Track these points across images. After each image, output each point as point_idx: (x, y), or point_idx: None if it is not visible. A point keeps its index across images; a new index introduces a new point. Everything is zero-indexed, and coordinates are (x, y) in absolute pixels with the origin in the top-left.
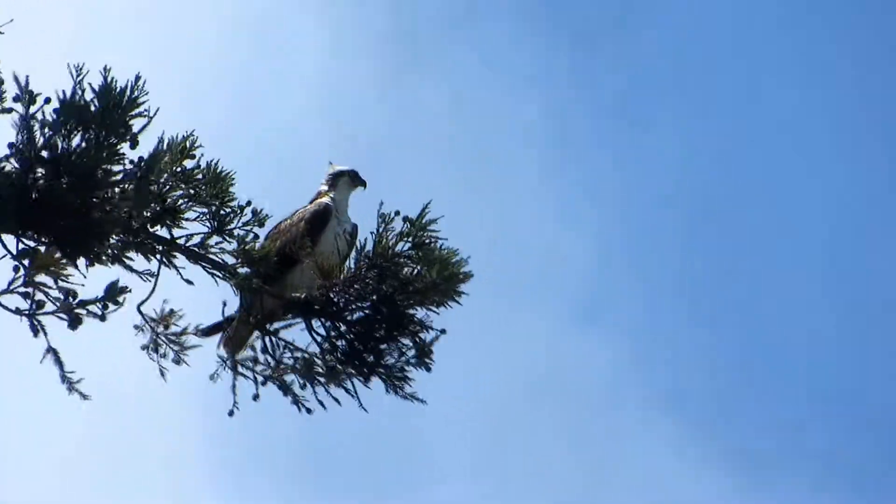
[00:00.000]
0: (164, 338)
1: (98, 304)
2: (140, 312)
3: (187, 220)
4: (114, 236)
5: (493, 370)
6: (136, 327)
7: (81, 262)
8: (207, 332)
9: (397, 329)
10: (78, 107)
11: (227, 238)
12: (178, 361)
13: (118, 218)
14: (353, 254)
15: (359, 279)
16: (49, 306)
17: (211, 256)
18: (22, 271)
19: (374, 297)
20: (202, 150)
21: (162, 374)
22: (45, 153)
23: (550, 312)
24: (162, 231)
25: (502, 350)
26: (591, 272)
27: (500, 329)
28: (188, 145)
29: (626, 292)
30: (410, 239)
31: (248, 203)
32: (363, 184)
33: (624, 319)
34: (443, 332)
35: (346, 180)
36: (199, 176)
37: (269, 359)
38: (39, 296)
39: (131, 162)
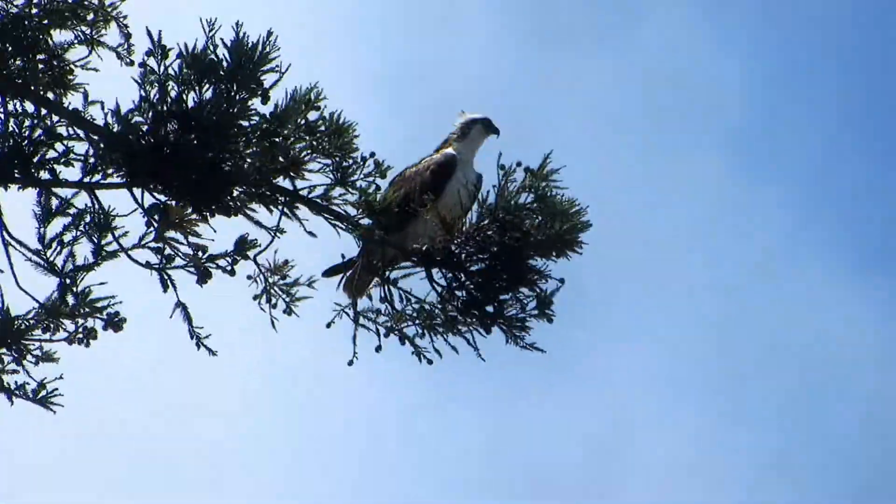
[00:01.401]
0: (276, 288)
1: (228, 258)
2: (255, 262)
3: (310, 171)
4: (237, 188)
5: (656, 215)
6: (249, 277)
7: (208, 216)
8: (329, 272)
9: (518, 280)
10: (210, 62)
11: (350, 189)
12: (288, 312)
13: (248, 172)
14: (475, 206)
15: (480, 231)
16: (178, 261)
17: (333, 208)
18: (153, 226)
19: (495, 249)
20: (326, 101)
21: (273, 324)
22: (176, 107)
23: (711, 156)
24: (285, 182)
25: (665, 196)
26: (753, 107)
27: (661, 174)
28: (313, 97)
29: (791, 131)
30: (532, 191)
31: (372, 154)
32: (496, 131)
33: (791, 162)
34: (562, 281)
35: (480, 128)
36: (322, 128)
37: (390, 308)
38: (169, 250)
39: (262, 116)
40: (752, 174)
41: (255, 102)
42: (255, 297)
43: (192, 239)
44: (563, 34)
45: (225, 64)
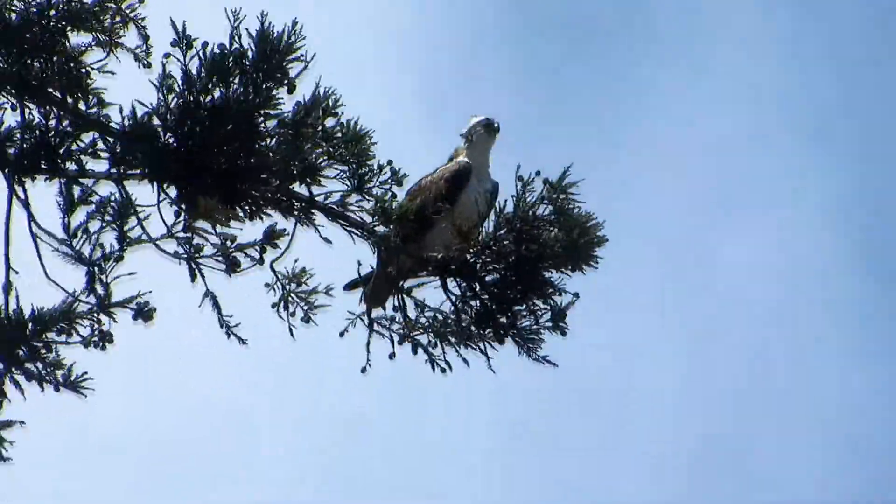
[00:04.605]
0: (294, 296)
1: (256, 247)
2: (272, 270)
3: (326, 178)
4: (255, 192)
5: None
6: (266, 285)
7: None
8: (348, 287)
9: (532, 292)
10: (235, 52)
11: (366, 196)
12: (306, 320)
13: (276, 162)
14: (491, 215)
15: (496, 241)
16: (207, 251)
17: (349, 215)
18: (182, 216)
19: (511, 259)
20: (343, 108)
21: (291, 332)
22: (202, 99)
23: None
24: (301, 189)
25: None
26: None
27: None
28: (330, 104)
29: None
30: (551, 202)
31: (389, 162)
32: (495, 129)
33: None
34: (577, 296)
35: (481, 132)
36: (339, 135)
37: (403, 317)
38: (198, 240)
39: (282, 121)
40: None
41: (282, 92)
42: (273, 305)
43: (220, 229)
44: None
45: (250, 54)
